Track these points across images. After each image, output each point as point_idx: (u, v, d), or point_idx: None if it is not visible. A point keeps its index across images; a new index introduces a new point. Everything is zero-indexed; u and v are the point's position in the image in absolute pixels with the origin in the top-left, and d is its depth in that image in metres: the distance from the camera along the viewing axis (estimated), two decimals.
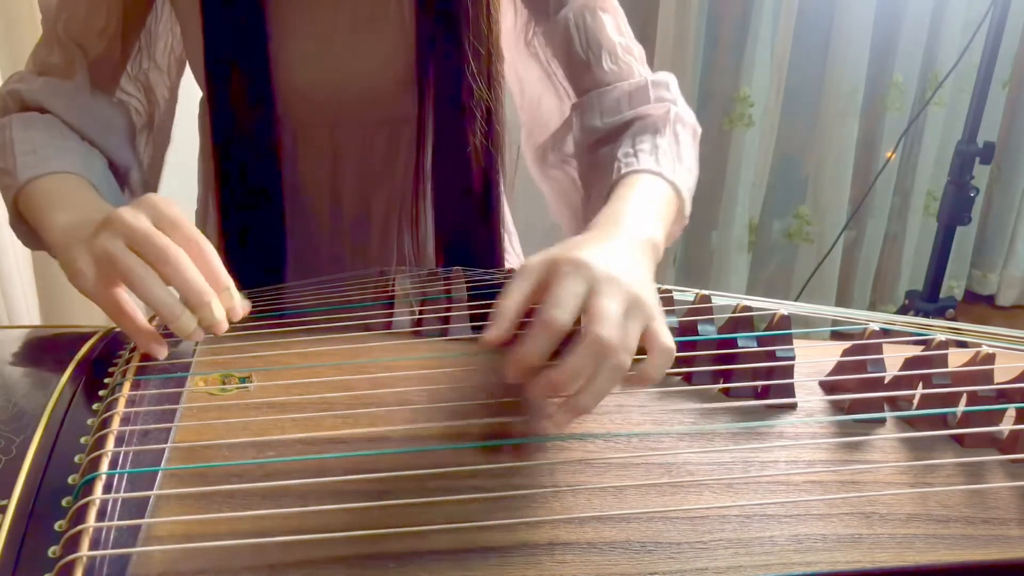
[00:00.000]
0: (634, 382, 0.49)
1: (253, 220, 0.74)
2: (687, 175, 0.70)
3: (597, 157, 0.73)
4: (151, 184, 0.81)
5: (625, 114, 0.74)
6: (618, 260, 0.51)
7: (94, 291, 0.54)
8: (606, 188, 0.66)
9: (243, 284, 0.73)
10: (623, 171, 0.67)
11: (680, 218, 0.70)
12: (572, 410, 0.47)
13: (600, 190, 0.69)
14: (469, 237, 0.76)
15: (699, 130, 0.76)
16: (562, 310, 0.47)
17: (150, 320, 0.57)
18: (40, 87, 0.70)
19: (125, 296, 0.54)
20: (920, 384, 0.54)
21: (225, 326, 0.53)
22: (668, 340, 0.49)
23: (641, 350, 0.48)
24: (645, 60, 0.78)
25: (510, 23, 0.77)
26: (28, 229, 0.66)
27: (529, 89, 0.81)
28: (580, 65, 0.75)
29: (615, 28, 0.75)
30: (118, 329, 0.62)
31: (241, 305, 0.55)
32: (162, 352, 0.54)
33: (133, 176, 0.76)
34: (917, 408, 0.53)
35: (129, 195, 0.75)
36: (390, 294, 0.63)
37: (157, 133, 0.81)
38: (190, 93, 0.82)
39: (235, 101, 0.70)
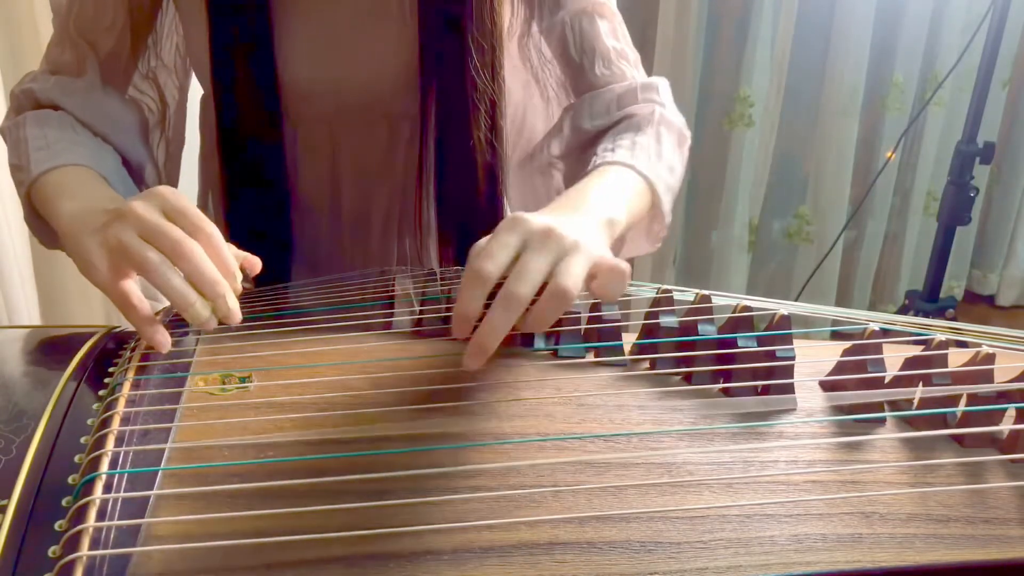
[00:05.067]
0: (598, 293, 0.53)
1: (259, 216, 0.74)
2: (666, 174, 0.71)
3: (584, 160, 0.73)
4: (169, 182, 0.81)
5: (613, 115, 0.75)
6: (559, 218, 0.53)
7: (105, 282, 0.55)
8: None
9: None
10: (596, 163, 0.68)
11: (658, 216, 0.72)
12: (475, 349, 0.50)
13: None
14: (471, 236, 0.76)
15: (687, 135, 0.77)
16: (489, 261, 0.50)
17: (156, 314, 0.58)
18: (52, 85, 0.71)
19: (134, 287, 0.55)
20: (920, 384, 0.54)
21: (238, 316, 0.55)
22: (567, 280, 0.50)
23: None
24: (640, 65, 0.79)
25: (506, 25, 0.77)
26: (42, 225, 0.67)
27: (513, 96, 0.81)
28: (574, 68, 0.77)
29: (610, 33, 0.76)
30: (118, 329, 0.62)
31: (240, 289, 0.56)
32: (166, 344, 0.55)
33: (148, 173, 0.77)
34: (917, 408, 0.53)
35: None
36: (390, 294, 0.63)
37: (172, 133, 0.82)
38: (190, 93, 0.83)
39: (239, 96, 0.70)
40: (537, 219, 0.52)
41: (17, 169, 0.67)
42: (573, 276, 0.50)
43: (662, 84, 0.77)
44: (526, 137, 0.83)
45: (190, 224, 0.54)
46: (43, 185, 0.64)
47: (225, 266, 0.54)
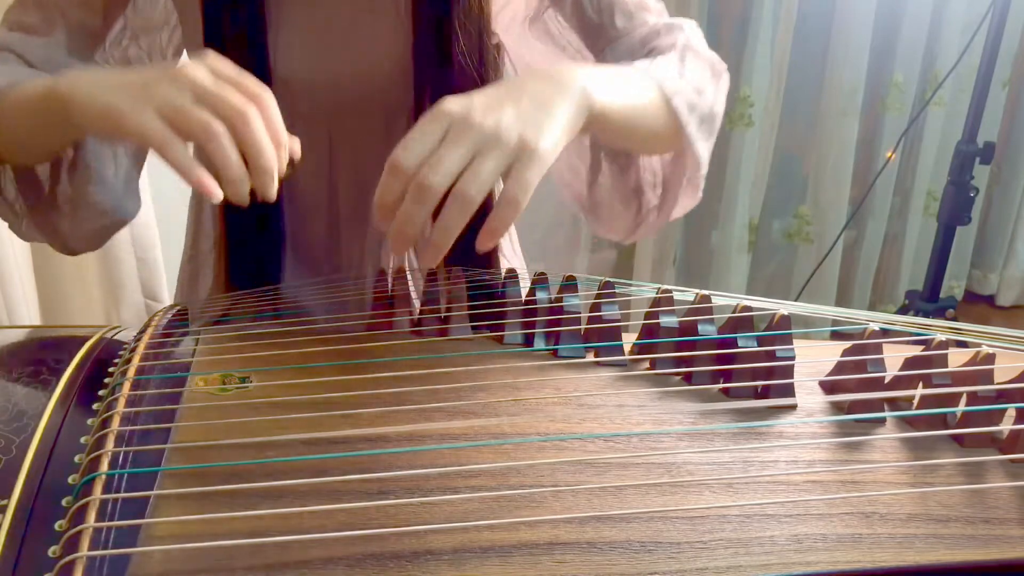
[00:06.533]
0: (483, 240, 0.51)
1: (250, 212, 0.74)
2: (691, 92, 0.65)
3: None
4: (139, 162, 0.77)
5: (636, 54, 0.71)
6: (496, 100, 0.51)
7: (167, 142, 0.50)
8: None
9: (241, 280, 0.72)
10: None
11: (688, 149, 0.65)
12: (395, 236, 0.50)
13: None
14: (470, 235, 0.75)
15: (722, 68, 0.71)
16: (406, 151, 0.49)
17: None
18: (13, 38, 0.68)
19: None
20: (920, 384, 0.54)
21: (273, 196, 0.52)
22: (516, 191, 0.49)
23: None
24: (664, 11, 0.75)
25: (518, 11, 0.76)
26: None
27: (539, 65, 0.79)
28: (594, 28, 0.74)
29: None
30: (118, 329, 0.62)
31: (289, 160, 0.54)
32: (216, 192, 0.50)
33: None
34: (917, 408, 0.53)
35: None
36: (390, 294, 0.63)
37: None
38: None
39: None
40: (460, 103, 0.50)
41: None
42: (479, 181, 0.49)
43: (688, 24, 0.73)
44: None
45: (245, 91, 0.51)
46: (7, 100, 0.58)
47: (276, 135, 0.52)
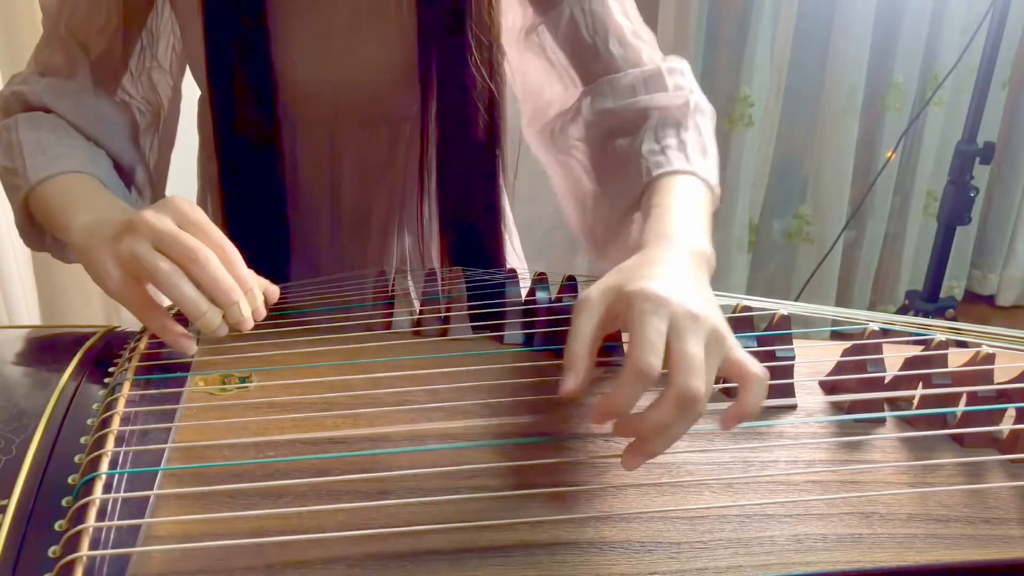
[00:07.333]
0: (731, 421, 0.46)
1: (256, 217, 0.74)
2: (714, 164, 0.70)
3: (615, 148, 0.72)
4: (158, 184, 0.81)
5: (640, 98, 0.72)
6: (689, 288, 0.49)
7: (119, 291, 0.55)
8: (633, 188, 0.66)
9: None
10: (654, 172, 0.66)
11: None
12: (644, 455, 0.45)
13: (622, 188, 0.68)
14: (472, 235, 0.76)
15: (713, 111, 0.75)
16: (656, 355, 0.44)
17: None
18: (43, 88, 0.71)
19: (150, 294, 0.55)
20: (920, 384, 0.54)
21: (251, 324, 0.54)
22: (755, 367, 0.47)
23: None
24: (656, 44, 0.76)
25: (515, 21, 0.77)
26: (35, 230, 0.67)
27: (532, 80, 0.80)
28: (588, 51, 0.74)
29: (622, 12, 0.74)
30: (118, 329, 0.62)
31: (262, 305, 0.56)
32: (191, 347, 0.55)
33: (138, 175, 0.76)
34: (917, 408, 0.53)
35: (136, 194, 0.76)
36: (390, 294, 0.63)
37: (163, 133, 0.81)
38: (187, 92, 0.82)
39: (237, 98, 0.70)
40: (675, 298, 0.46)
41: (11, 173, 0.66)
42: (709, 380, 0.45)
43: (685, 66, 0.75)
44: (541, 111, 0.81)
45: (205, 236, 0.53)
46: (44, 193, 0.63)
47: (241, 279, 0.54)
